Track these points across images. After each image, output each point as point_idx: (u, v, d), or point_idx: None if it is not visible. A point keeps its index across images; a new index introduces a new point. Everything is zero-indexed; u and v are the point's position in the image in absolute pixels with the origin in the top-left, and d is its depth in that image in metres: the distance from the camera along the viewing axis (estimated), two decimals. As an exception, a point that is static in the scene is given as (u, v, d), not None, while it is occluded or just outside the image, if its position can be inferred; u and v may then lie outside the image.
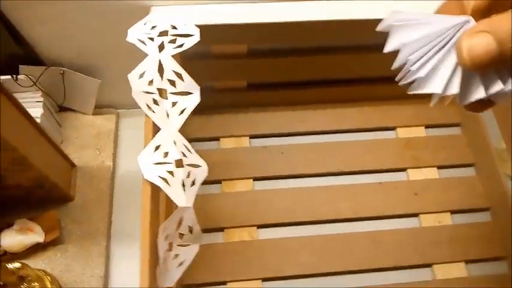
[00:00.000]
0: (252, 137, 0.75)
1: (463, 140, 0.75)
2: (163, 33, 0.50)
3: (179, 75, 0.49)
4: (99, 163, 0.70)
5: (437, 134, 0.76)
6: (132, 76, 0.47)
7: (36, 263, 0.62)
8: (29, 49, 0.58)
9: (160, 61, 0.48)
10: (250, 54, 0.63)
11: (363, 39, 0.62)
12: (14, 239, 0.60)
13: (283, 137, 0.75)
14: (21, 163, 0.53)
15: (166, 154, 0.46)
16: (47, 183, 0.59)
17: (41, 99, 0.65)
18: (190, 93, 0.50)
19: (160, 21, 0.51)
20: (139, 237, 0.67)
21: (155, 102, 0.48)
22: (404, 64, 0.27)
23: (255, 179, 0.71)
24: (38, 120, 0.63)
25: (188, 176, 0.47)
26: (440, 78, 0.26)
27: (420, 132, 0.75)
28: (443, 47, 0.26)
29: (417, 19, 0.27)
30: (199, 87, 0.50)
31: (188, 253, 0.49)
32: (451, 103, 0.70)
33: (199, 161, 0.49)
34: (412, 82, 0.27)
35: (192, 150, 0.49)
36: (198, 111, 0.50)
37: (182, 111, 0.49)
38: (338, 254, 0.65)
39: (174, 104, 0.49)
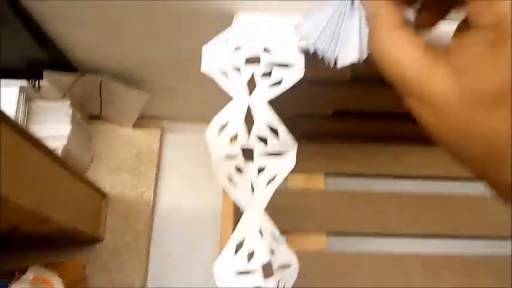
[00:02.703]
0: (328, 174, 0.58)
1: None
2: (254, 60, 0.34)
3: (273, 130, 0.33)
4: (138, 194, 0.55)
5: None
6: (211, 133, 0.31)
7: (52, 320, 0.49)
8: (56, 52, 0.42)
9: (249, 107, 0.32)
10: (354, 80, 0.47)
11: None
12: (26, 296, 0.46)
13: (371, 180, 0.58)
14: (38, 219, 0.38)
15: (251, 255, 0.31)
16: (70, 232, 0.45)
17: (69, 112, 0.50)
18: (282, 153, 0.34)
19: (248, 39, 0.35)
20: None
21: (238, 170, 0.32)
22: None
23: (331, 234, 0.55)
24: (64, 141, 0.48)
25: (277, 286, 0.32)
26: (354, 47, 0.29)
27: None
28: (342, 19, 0.29)
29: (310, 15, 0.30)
30: (296, 146, 0.34)
31: None
32: None
33: (290, 256, 0.34)
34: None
35: (280, 239, 0.34)
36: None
37: (270, 180, 0.34)
38: None
39: (261, 169, 0.34)
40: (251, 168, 0.33)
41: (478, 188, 0.58)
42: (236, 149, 0.32)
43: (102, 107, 0.52)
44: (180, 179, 0.57)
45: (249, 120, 0.33)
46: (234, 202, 0.32)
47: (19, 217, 0.37)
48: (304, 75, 0.38)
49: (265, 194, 0.33)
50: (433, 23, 0.27)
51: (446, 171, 0.58)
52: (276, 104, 0.34)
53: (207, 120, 0.32)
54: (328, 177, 0.59)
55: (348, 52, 0.30)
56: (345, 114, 0.55)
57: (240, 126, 0.32)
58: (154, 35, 0.39)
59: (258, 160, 0.33)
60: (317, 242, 0.55)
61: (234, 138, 0.32)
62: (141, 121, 0.59)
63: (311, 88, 0.48)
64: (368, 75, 0.47)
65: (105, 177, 0.56)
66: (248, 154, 0.33)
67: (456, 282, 0.53)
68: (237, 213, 0.34)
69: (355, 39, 0.29)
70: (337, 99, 0.51)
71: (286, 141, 0.33)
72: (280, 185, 0.59)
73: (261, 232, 0.32)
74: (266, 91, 0.32)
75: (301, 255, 0.54)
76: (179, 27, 0.38)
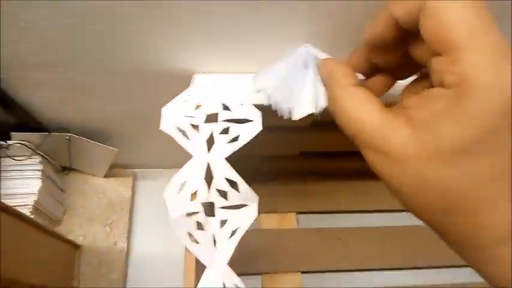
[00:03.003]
0: (300, 213, 0.60)
1: None
2: (212, 117, 0.36)
3: (233, 183, 0.34)
4: (111, 245, 0.55)
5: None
6: (170, 193, 0.32)
7: None
8: (23, 114, 0.43)
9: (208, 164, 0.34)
10: (315, 125, 0.49)
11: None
12: None
13: (343, 216, 0.60)
14: (10, 282, 0.38)
15: (213, 311, 0.32)
16: (42, 289, 0.45)
17: (40, 168, 0.50)
18: (245, 205, 0.35)
19: (207, 97, 0.36)
20: None
21: (199, 226, 0.33)
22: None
23: (305, 272, 0.56)
24: (35, 197, 0.49)
25: None
26: (309, 100, 0.31)
27: None
28: (297, 74, 0.31)
29: (270, 67, 0.33)
30: (257, 198, 0.35)
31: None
32: None
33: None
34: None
35: (246, 290, 0.35)
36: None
37: (233, 233, 0.35)
38: None
39: (223, 223, 0.35)
40: (213, 222, 0.34)
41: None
42: (196, 206, 0.33)
43: (71, 162, 0.53)
44: (154, 226, 0.58)
45: (210, 177, 0.34)
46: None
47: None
48: (266, 123, 0.40)
49: (227, 248, 0.34)
50: (385, 89, 0.29)
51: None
52: (242, 147, 0.36)
53: (177, 165, 0.33)
54: (300, 216, 0.60)
55: (303, 104, 0.31)
56: (312, 154, 0.57)
57: (200, 183, 0.33)
58: (116, 93, 0.41)
59: (220, 214, 0.34)
60: (292, 281, 0.55)
61: (194, 195, 0.33)
62: (113, 170, 0.59)
63: (274, 133, 0.49)
64: (328, 120, 0.49)
65: (78, 229, 0.56)
66: (209, 210, 0.34)
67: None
68: (199, 266, 0.34)
69: (310, 93, 0.31)
70: (302, 143, 0.53)
71: (247, 195, 0.35)
72: (253, 225, 0.60)
73: (224, 287, 0.33)
74: (224, 148, 0.34)
75: (276, 296, 0.54)
76: (139, 86, 0.40)
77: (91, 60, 0.36)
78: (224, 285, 0.33)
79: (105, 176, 0.59)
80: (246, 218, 0.35)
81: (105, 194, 0.58)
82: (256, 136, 0.48)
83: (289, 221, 0.59)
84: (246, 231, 0.36)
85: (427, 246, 0.58)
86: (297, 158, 0.57)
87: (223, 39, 0.35)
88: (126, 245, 0.55)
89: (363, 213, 0.60)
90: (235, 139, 0.35)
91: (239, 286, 0.34)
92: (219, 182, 0.34)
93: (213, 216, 0.34)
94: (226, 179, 0.34)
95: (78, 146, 0.49)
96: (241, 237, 0.35)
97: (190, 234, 0.33)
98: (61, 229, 0.55)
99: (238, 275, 0.34)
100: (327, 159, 0.57)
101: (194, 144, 0.34)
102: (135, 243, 0.57)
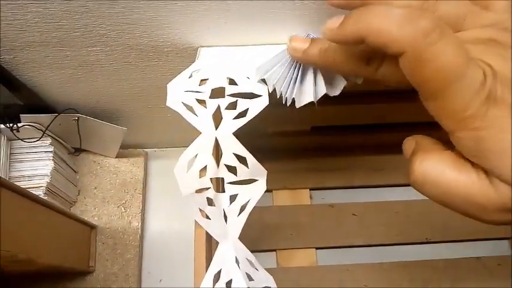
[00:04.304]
0: (313, 189, 0.59)
1: None
2: (218, 92, 0.35)
3: (241, 159, 0.34)
4: (125, 224, 0.56)
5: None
6: (179, 170, 0.32)
7: None
8: (30, 96, 0.43)
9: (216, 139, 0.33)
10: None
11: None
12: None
13: (356, 191, 0.59)
14: (23, 262, 0.39)
15: (229, 284, 0.31)
16: (57, 268, 0.46)
17: (51, 149, 0.50)
18: (254, 180, 0.35)
19: (213, 71, 0.35)
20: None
21: (209, 202, 0.33)
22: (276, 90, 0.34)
23: (319, 248, 0.56)
24: (48, 179, 0.49)
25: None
26: (309, 89, 0.33)
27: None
28: (299, 65, 0.32)
29: (270, 58, 0.33)
30: (266, 172, 0.35)
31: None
32: None
33: (267, 278, 0.35)
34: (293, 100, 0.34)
35: (257, 265, 0.35)
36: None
37: (243, 207, 0.34)
38: None
39: (233, 198, 0.34)
40: (223, 198, 0.34)
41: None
42: (206, 182, 0.33)
43: (81, 143, 0.53)
44: (167, 205, 0.58)
45: (219, 153, 0.34)
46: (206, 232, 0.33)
47: (2, 262, 0.37)
48: (275, 98, 0.39)
49: (238, 222, 0.34)
50: None
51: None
52: (253, 124, 0.35)
53: (188, 143, 0.33)
54: (313, 192, 0.59)
55: (304, 94, 0.34)
56: (323, 128, 0.56)
57: (209, 159, 0.33)
58: (121, 70, 0.40)
59: (229, 189, 0.34)
60: (306, 257, 0.55)
61: (203, 171, 0.33)
62: (125, 151, 0.59)
63: (285, 109, 0.48)
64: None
65: (92, 209, 0.56)
66: (219, 186, 0.34)
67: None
68: (211, 241, 0.34)
69: (311, 83, 0.33)
70: (313, 117, 0.52)
71: (256, 170, 0.34)
72: (266, 202, 0.60)
73: (237, 260, 0.32)
74: (231, 123, 0.33)
75: (291, 272, 0.54)
76: (145, 62, 0.39)
77: (94, 36, 0.35)
78: (236, 259, 0.32)
79: (116, 157, 0.59)
80: (255, 192, 0.35)
81: (118, 174, 0.58)
82: (266, 112, 0.47)
83: (303, 197, 0.58)
84: (260, 208, 0.36)
85: (442, 221, 0.57)
86: (309, 133, 0.56)
87: (229, 10, 0.34)
88: (140, 225, 0.56)
89: (377, 188, 0.59)
90: (242, 114, 0.34)
91: (250, 258, 0.34)
92: (228, 158, 0.33)
93: (223, 191, 0.34)
94: (235, 154, 0.33)
95: (87, 127, 0.49)
96: (255, 214, 0.34)
97: (201, 210, 0.32)
98: (75, 210, 0.56)
99: (253, 251, 0.34)
100: (339, 134, 0.56)
101: (201, 120, 0.33)
102: (149, 222, 0.57)
